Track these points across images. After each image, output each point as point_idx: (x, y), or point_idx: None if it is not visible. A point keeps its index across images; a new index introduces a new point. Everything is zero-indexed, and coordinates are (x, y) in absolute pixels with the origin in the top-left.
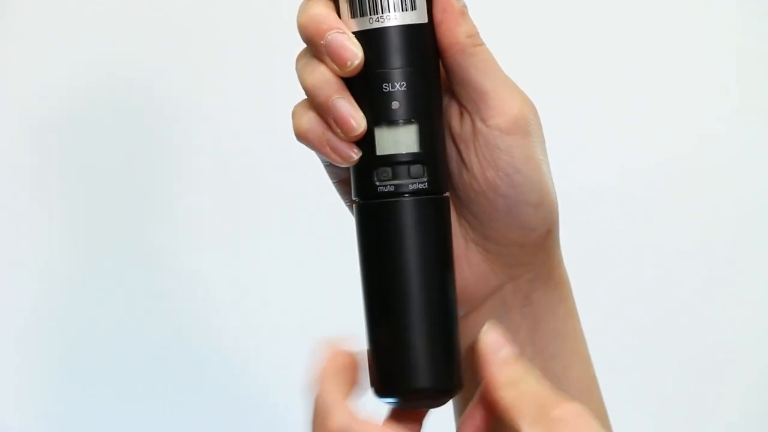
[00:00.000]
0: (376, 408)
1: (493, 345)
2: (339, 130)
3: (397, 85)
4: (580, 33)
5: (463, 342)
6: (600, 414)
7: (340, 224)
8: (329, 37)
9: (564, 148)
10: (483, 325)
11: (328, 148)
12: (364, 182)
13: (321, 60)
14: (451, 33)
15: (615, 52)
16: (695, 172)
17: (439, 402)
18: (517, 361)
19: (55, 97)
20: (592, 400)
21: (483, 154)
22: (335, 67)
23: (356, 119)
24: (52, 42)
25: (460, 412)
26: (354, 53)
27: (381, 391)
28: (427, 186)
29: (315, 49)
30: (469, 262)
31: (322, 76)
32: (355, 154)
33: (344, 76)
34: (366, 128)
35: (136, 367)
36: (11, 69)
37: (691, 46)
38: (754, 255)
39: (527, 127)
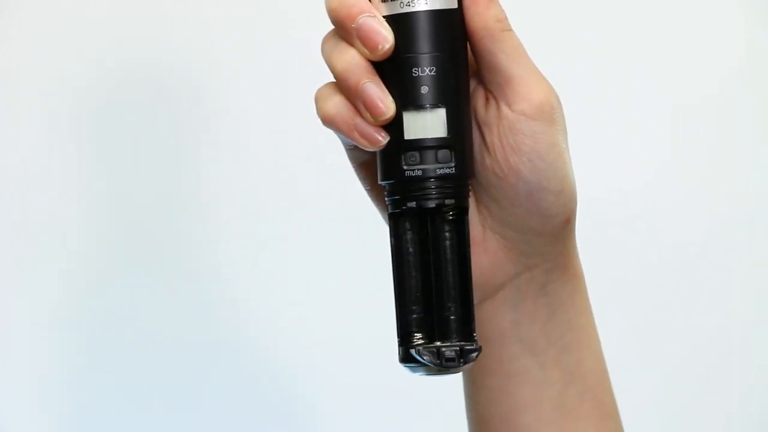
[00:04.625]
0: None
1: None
2: (368, 114)
3: (427, 70)
4: (594, 33)
5: (477, 329)
6: (611, 408)
7: (364, 217)
8: (360, 20)
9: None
10: (497, 314)
11: (356, 133)
12: (392, 166)
13: (351, 43)
14: (479, 17)
15: (632, 54)
16: (704, 178)
17: (457, 369)
18: None
19: (81, 91)
20: (604, 394)
21: (507, 139)
22: (366, 51)
23: (386, 103)
24: (77, 31)
25: (470, 409)
26: (385, 37)
27: (405, 354)
28: (454, 170)
29: (345, 32)
30: (486, 250)
31: (352, 59)
32: (383, 138)
33: (375, 60)
34: (395, 112)
35: (156, 364)
36: (33, 66)
37: (706, 51)
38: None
39: (552, 114)
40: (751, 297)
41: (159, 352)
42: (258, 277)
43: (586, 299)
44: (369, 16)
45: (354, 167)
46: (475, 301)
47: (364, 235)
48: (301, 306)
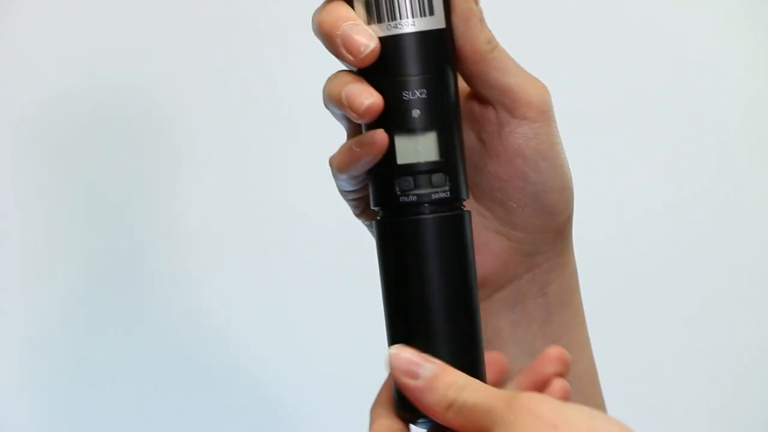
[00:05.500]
0: None
1: (408, 369)
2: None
3: (417, 93)
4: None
5: None
6: (602, 410)
7: (349, 232)
8: (344, 27)
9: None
10: (494, 315)
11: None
12: (385, 192)
13: (338, 54)
14: (471, 42)
15: (625, 57)
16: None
17: None
18: (438, 376)
19: (56, 99)
20: (596, 396)
21: (509, 143)
22: (350, 57)
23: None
24: (53, 43)
25: None
26: (365, 43)
27: (405, 413)
28: (449, 194)
29: (332, 43)
30: (491, 251)
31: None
32: (370, 44)
33: (359, 66)
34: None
35: (139, 370)
36: (12, 71)
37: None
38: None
39: (549, 113)
40: (738, 298)
41: (154, 356)
42: (253, 283)
43: (581, 300)
44: (353, 23)
45: (342, 193)
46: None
47: (360, 239)
48: (299, 311)
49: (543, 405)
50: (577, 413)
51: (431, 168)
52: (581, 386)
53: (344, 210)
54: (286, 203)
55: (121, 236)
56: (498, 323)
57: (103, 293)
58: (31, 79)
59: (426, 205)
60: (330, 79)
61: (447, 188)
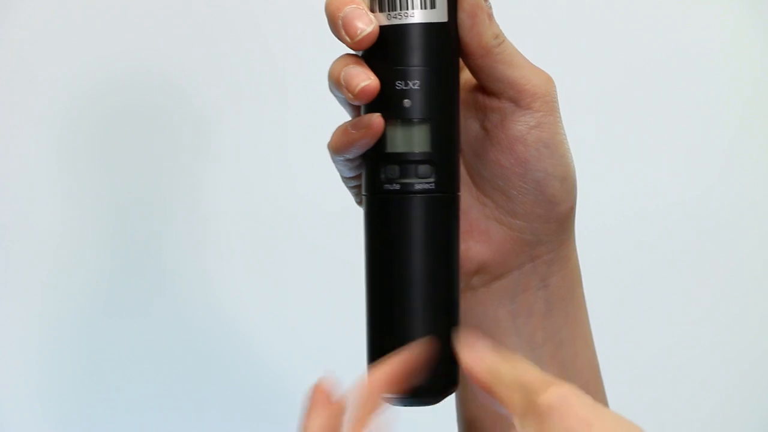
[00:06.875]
0: None
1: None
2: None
3: (410, 83)
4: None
5: (466, 319)
6: (604, 403)
7: (353, 231)
8: (347, 9)
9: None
10: (492, 304)
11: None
12: (372, 179)
13: (339, 36)
14: (480, 37)
15: (631, 56)
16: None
17: (435, 400)
18: (491, 350)
19: (58, 100)
20: (597, 391)
21: (512, 131)
22: (348, 39)
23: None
24: (78, 39)
25: (461, 409)
26: (361, 27)
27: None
28: (434, 186)
29: (334, 24)
30: (491, 239)
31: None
32: (366, 28)
33: (356, 48)
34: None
35: (138, 371)
36: (38, 66)
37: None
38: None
39: (554, 104)
40: (741, 296)
41: (153, 356)
42: (255, 282)
43: (583, 294)
44: (356, 7)
45: (343, 180)
46: (474, 286)
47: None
48: (299, 311)
49: (580, 399)
50: (609, 415)
51: (418, 159)
52: (582, 381)
53: (348, 209)
54: (292, 201)
55: (122, 236)
56: (497, 313)
57: (104, 292)
58: (32, 78)
59: (409, 194)
60: (335, 60)
61: (432, 180)
